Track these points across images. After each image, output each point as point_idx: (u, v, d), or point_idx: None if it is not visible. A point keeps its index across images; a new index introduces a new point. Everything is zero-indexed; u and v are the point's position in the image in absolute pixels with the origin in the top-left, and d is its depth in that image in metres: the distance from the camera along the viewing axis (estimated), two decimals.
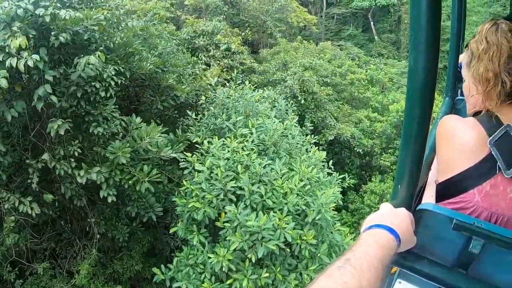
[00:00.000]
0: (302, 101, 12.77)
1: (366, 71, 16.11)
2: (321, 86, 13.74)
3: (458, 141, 1.27)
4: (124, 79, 6.10)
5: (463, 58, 1.46)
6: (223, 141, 5.76)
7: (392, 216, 1.03)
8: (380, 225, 0.97)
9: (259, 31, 18.99)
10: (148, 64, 6.54)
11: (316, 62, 14.57)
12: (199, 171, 5.45)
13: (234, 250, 4.80)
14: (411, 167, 0.98)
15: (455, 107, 2.41)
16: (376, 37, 27.61)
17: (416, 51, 0.83)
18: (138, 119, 5.96)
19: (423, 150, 0.94)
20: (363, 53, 19.62)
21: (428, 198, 1.42)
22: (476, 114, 1.33)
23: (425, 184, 1.47)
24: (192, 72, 9.06)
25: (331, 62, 16.14)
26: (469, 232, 1.10)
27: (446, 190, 1.31)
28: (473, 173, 1.23)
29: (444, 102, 2.82)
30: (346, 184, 6.38)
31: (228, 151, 5.50)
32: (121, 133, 5.94)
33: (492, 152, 1.19)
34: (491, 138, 1.20)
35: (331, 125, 13.28)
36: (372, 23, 28.17)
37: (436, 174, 1.40)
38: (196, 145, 6.11)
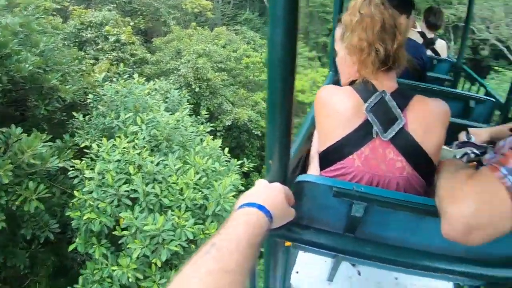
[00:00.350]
0: (197, 89, 12.46)
1: (261, 54, 15.97)
2: (215, 72, 13.46)
3: (335, 109, 1.30)
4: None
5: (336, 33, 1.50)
6: (113, 141, 5.36)
7: (263, 192, 1.00)
8: (250, 204, 0.94)
9: (152, 19, 18.21)
10: (27, 65, 5.81)
11: (210, 48, 14.18)
12: (89, 179, 5.03)
13: (137, 257, 4.55)
14: (280, 140, 0.96)
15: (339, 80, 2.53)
16: None
17: (274, 24, 0.83)
18: (19, 130, 5.16)
19: (289, 122, 0.92)
20: (259, 36, 19.57)
21: (312, 169, 1.45)
22: (352, 84, 1.37)
23: (307, 155, 1.49)
24: (79, 69, 8.30)
25: (226, 47, 15.93)
26: (349, 198, 1.13)
27: (327, 159, 1.33)
28: (352, 140, 1.27)
29: (328, 76, 2.95)
30: (246, 169, 6.36)
31: (118, 152, 5.14)
32: (2, 148, 5.20)
33: (369, 118, 1.24)
34: (367, 104, 1.25)
35: (227, 110, 13.12)
36: (268, 6, 28.10)
37: (317, 145, 1.42)
38: (86, 150, 5.64)
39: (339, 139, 1.28)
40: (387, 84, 1.30)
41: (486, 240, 0.86)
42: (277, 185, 1.05)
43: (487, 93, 2.95)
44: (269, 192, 1.02)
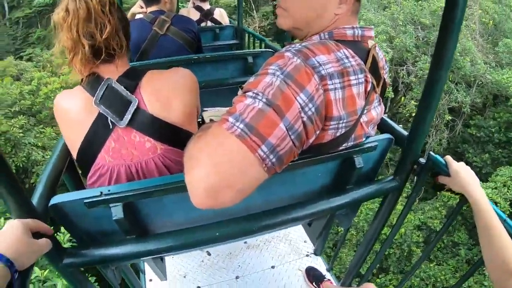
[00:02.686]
0: None
1: (59, 77, 13.45)
2: (11, 119, 10.86)
3: (68, 114, 1.20)
4: None
5: None
6: None
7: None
8: None
9: None
10: None
11: None
12: None
13: None
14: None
15: None
16: None
17: None
18: None
19: None
20: (45, 53, 17.40)
21: None
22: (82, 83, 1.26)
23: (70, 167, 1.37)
24: None
25: (18, 81, 13.30)
26: (102, 204, 1.04)
27: (82, 167, 1.23)
28: (93, 138, 1.17)
29: None
30: None
31: None
32: None
33: (101, 110, 1.16)
34: (95, 98, 1.16)
35: (38, 159, 10.46)
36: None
37: None
38: None
39: (82, 142, 1.19)
40: (112, 71, 1.22)
41: (241, 196, 0.81)
42: (12, 223, 0.92)
43: (266, 46, 3.13)
44: (3, 235, 0.89)
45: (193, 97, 1.28)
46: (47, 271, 3.73)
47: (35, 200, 1.08)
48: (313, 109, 0.85)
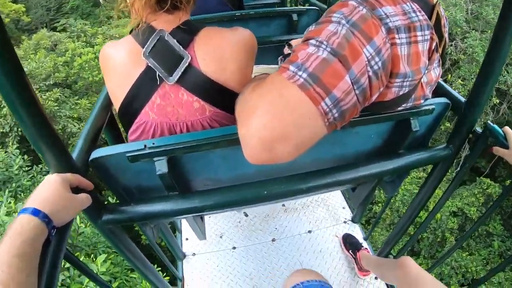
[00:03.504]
0: None
1: (94, 47, 13.09)
2: (46, 92, 10.77)
3: (114, 64, 1.12)
4: None
5: None
6: None
7: (36, 193, 0.84)
8: (23, 210, 0.79)
9: None
10: None
11: (29, 68, 11.13)
12: None
13: None
14: (35, 123, 0.80)
15: None
16: (101, 0, 23.89)
17: None
18: None
19: (37, 105, 0.77)
20: (89, 25, 16.53)
21: None
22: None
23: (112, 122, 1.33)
24: None
25: (51, 54, 12.84)
26: (146, 157, 0.99)
27: (125, 121, 1.17)
28: (137, 92, 1.10)
29: None
30: None
31: None
32: None
33: (150, 64, 1.07)
34: (144, 49, 1.07)
35: (75, 132, 10.70)
36: None
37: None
38: None
39: (125, 96, 1.11)
40: (168, 22, 1.11)
41: (297, 151, 0.74)
42: (50, 178, 0.88)
43: (311, 4, 2.97)
44: (40, 191, 0.85)
45: (250, 60, 1.17)
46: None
47: (75, 154, 1.05)
48: (379, 64, 0.77)
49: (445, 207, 9.20)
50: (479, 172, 11.42)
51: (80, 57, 12.30)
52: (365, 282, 2.19)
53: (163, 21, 1.10)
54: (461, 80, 12.10)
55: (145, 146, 0.98)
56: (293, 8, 2.75)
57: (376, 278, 2.21)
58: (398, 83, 0.88)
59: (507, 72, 12.07)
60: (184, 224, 2.43)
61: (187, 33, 1.10)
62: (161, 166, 1.00)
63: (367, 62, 0.75)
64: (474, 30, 12.99)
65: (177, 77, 1.07)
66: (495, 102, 12.29)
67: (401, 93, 0.92)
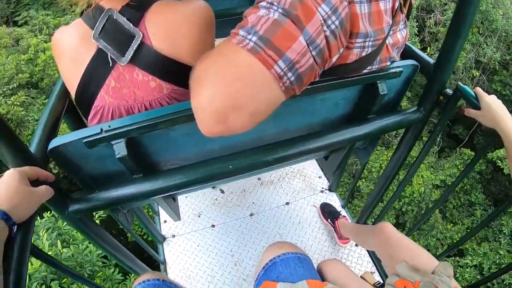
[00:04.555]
0: None
1: None
2: (11, 96, 9.89)
3: (64, 49, 1.05)
4: None
5: None
6: None
7: None
8: None
9: None
10: None
11: None
12: None
13: None
14: None
15: None
16: None
17: None
18: None
19: None
20: (51, 15, 15.82)
21: None
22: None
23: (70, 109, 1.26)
24: None
25: (11, 54, 11.33)
26: (103, 142, 0.95)
27: (82, 108, 1.11)
28: (91, 77, 1.04)
29: None
30: None
31: None
32: None
33: (100, 46, 1.00)
34: (94, 31, 1.00)
35: None
36: None
37: None
38: None
39: (79, 82, 1.05)
40: (116, 1, 1.04)
41: (254, 120, 0.70)
42: (6, 173, 0.84)
43: None
44: None
45: (207, 33, 1.10)
46: None
47: (33, 146, 1.00)
48: (336, 22, 0.74)
49: (428, 180, 9.36)
50: (458, 139, 11.68)
51: (44, 53, 11.20)
52: (345, 250, 2.23)
53: (111, 0, 1.03)
54: None
55: (101, 130, 0.93)
56: None
57: (356, 245, 2.24)
58: (359, 43, 0.85)
59: (487, 44, 12.08)
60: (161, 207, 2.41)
61: (137, 10, 1.03)
62: (119, 149, 0.96)
63: (322, 22, 0.71)
64: (453, 2, 12.61)
65: (130, 56, 1.01)
66: (474, 74, 12.34)
67: (363, 54, 0.89)
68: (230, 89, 0.65)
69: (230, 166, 1.04)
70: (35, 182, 0.89)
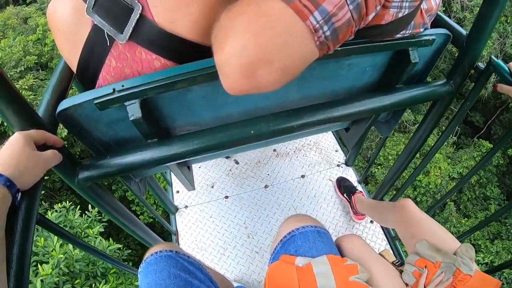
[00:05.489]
0: None
1: None
2: (19, 79, 9.25)
3: (60, 24, 0.94)
4: None
5: None
6: None
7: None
8: None
9: None
10: None
11: None
12: None
13: None
14: None
15: None
16: None
17: None
18: None
19: None
20: None
21: None
22: None
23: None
24: None
25: (18, 36, 10.89)
26: (116, 103, 0.88)
27: (85, 87, 1.00)
28: (89, 57, 0.93)
29: None
30: None
31: None
32: None
33: (95, 22, 0.88)
34: (87, 5, 0.87)
35: None
36: None
37: None
38: None
39: (78, 61, 0.95)
40: None
41: (284, 77, 0.63)
42: (11, 138, 0.79)
43: None
44: (1, 151, 0.76)
45: (218, 2, 0.91)
46: None
47: (41, 110, 0.94)
48: None
49: (446, 172, 9.21)
50: (474, 127, 11.44)
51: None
52: (360, 226, 2.18)
53: None
54: None
55: (114, 90, 0.87)
56: None
57: (371, 222, 2.19)
58: (396, 3, 0.78)
59: None
60: (174, 177, 2.36)
61: None
62: (133, 110, 0.89)
63: None
64: None
65: (129, 33, 0.87)
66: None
67: (400, 15, 0.82)
68: (260, 40, 0.59)
69: (252, 131, 0.97)
70: (42, 147, 0.83)
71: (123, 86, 0.87)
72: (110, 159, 1.01)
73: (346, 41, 0.78)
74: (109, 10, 0.87)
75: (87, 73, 0.96)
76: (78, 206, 4.20)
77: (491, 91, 10.31)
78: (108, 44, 0.90)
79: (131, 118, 0.90)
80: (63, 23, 0.93)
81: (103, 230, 4.00)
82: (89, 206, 4.11)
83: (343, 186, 2.27)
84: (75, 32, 0.92)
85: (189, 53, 0.91)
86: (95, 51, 0.92)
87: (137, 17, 0.86)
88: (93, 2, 0.86)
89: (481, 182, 9.81)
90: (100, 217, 4.15)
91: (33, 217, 0.80)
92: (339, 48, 0.89)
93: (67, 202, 4.23)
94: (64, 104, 0.90)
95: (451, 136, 10.49)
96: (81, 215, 4.10)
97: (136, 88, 0.87)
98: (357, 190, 2.23)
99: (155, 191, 1.89)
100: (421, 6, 0.91)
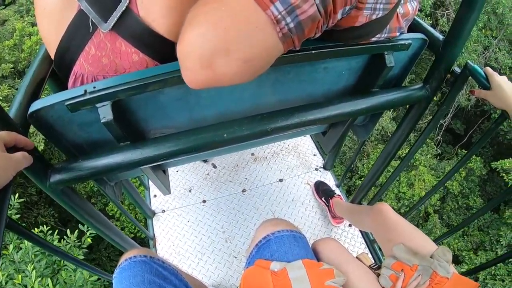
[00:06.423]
0: None
1: None
2: None
3: (44, 7, 0.94)
4: None
5: None
6: None
7: None
8: None
9: None
10: None
11: None
12: None
13: None
14: None
15: None
16: None
17: None
18: None
19: None
20: None
21: None
22: None
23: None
24: None
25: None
26: (87, 105, 0.87)
27: (61, 74, 1.00)
28: (70, 41, 0.93)
29: None
30: None
31: None
32: None
33: (82, 7, 0.88)
34: None
35: (30, 132, 8.67)
36: None
37: None
38: None
39: (58, 45, 0.94)
40: None
41: (247, 69, 0.62)
42: None
43: None
44: None
45: None
46: None
47: (12, 111, 0.92)
48: None
49: (430, 184, 9.32)
50: (455, 134, 11.65)
51: (30, 38, 10.13)
52: (339, 229, 2.19)
53: None
54: None
55: (85, 91, 0.85)
56: None
57: (350, 225, 2.20)
58: (370, 4, 0.78)
59: (499, 49, 11.79)
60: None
61: None
62: (105, 112, 0.88)
63: None
64: None
65: (112, 23, 0.89)
66: None
67: (374, 17, 0.83)
68: (219, 30, 0.58)
69: (225, 135, 0.97)
70: (12, 149, 0.82)
71: (94, 87, 0.86)
72: (82, 162, 0.98)
73: (321, 45, 0.78)
74: None
75: (65, 57, 0.96)
76: (57, 231, 4.06)
77: (474, 102, 10.56)
78: (91, 30, 0.90)
79: (103, 121, 0.88)
80: (50, 6, 0.93)
81: (83, 257, 3.87)
82: (68, 231, 3.99)
83: (321, 190, 2.28)
84: (60, 14, 0.92)
85: (168, 52, 0.91)
86: (77, 35, 0.92)
87: (123, 9, 0.87)
88: None
89: (463, 192, 9.94)
90: (79, 243, 4.03)
91: (2, 220, 0.79)
92: (313, 52, 0.91)
93: (45, 222, 4.03)
94: (35, 106, 0.88)
95: (434, 148, 10.67)
96: (59, 241, 3.98)
97: (108, 90, 0.86)
98: (335, 194, 2.24)
99: (131, 195, 1.87)
100: (397, 10, 0.92)
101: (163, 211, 2.23)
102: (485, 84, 1.09)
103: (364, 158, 10.30)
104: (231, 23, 0.58)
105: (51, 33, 0.95)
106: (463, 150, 10.63)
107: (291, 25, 0.62)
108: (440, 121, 11.44)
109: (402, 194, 9.48)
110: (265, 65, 0.65)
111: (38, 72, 1.07)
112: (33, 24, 10.92)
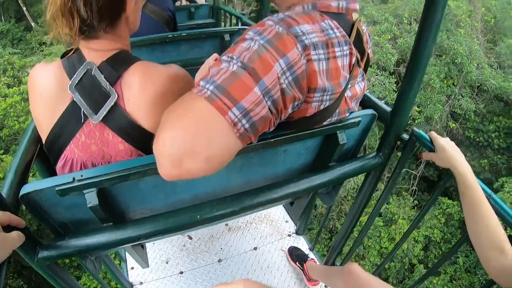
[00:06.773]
0: None
1: (20, 87, 9.80)
2: None
3: (40, 92, 1.06)
4: None
5: None
6: None
7: None
8: None
9: None
10: None
11: None
12: None
13: None
14: None
15: None
16: (33, 24, 20.64)
17: None
18: None
19: None
20: (19, 53, 14.46)
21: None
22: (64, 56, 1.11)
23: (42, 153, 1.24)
24: None
25: None
26: (75, 191, 0.98)
27: (51, 156, 1.13)
28: (63, 127, 1.07)
29: None
30: None
31: None
32: None
33: (75, 99, 1.03)
34: (71, 82, 1.03)
35: None
36: (25, 8, 20.72)
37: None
38: None
39: (51, 130, 1.08)
40: (97, 52, 1.06)
41: (210, 166, 0.73)
42: None
43: (244, 24, 3.04)
44: None
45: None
46: None
47: (4, 191, 1.01)
48: (290, 78, 0.80)
49: (411, 236, 9.36)
50: (429, 181, 11.89)
51: (5, 100, 10.01)
52: None
53: (94, 49, 1.06)
54: (417, 107, 12.10)
55: (73, 179, 0.97)
56: (225, 28, 2.79)
57: (326, 287, 2.27)
58: (317, 98, 0.90)
59: (462, 96, 12.41)
60: (128, 253, 2.38)
61: (116, 68, 1.05)
62: (91, 198, 0.99)
63: (279, 75, 0.78)
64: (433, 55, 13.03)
65: (102, 116, 1.04)
66: (451, 126, 12.39)
67: (322, 107, 0.95)
68: (185, 135, 0.69)
69: (198, 216, 1.09)
70: (6, 228, 0.89)
71: (82, 176, 0.97)
72: (68, 241, 1.07)
73: (279, 132, 0.92)
74: (89, 92, 1.03)
75: (57, 143, 1.08)
76: None
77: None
78: (82, 121, 1.05)
79: (89, 205, 1.00)
80: (46, 90, 1.06)
81: None
82: None
83: (295, 255, 2.37)
84: (55, 102, 1.05)
85: (150, 143, 0.99)
86: (70, 123, 1.05)
87: (112, 104, 1.03)
88: (77, 81, 1.02)
89: (446, 238, 9.97)
90: None
91: None
92: (272, 140, 1.06)
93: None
94: (27, 188, 0.98)
95: (410, 199, 10.82)
96: None
97: (94, 179, 0.98)
98: (309, 257, 2.33)
99: (109, 268, 1.91)
100: (345, 94, 1.03)
101: (141, 283, 2.25)
102: (430, 147, 1.20)
103: (342, 218, 10.34)
104: (196, 127, 0.70)
105: (45, 117, 1.08)
106: (440, 197, 10.81)
107: (246, 125, 0.74)
108: (413, 172, 11.73)
109: (384, 249, 9.45)
110: (227, 160, 0.77)
111: (26, 153, 1.18)
112: (9, 86, 10.79)
